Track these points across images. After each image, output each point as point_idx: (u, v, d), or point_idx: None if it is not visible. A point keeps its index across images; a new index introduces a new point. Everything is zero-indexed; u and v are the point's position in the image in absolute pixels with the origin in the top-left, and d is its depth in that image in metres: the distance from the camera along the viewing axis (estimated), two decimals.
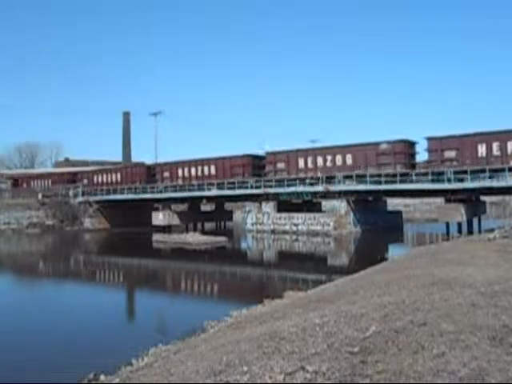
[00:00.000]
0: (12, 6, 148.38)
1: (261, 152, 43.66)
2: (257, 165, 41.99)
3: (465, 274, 8.46)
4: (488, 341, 4.48)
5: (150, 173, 48.99)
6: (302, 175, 38.18)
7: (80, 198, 50.38)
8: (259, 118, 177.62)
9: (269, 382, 4.12)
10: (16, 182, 64.26)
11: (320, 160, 37.81)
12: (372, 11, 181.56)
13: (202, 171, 44.30)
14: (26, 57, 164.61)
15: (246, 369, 4.54)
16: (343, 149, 37.11)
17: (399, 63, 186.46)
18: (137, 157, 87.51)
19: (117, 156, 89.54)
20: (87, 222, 48.96)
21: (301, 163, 38.87)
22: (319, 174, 36.86)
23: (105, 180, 52.28)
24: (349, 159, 36.41)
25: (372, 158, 35.19)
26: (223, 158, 43.20)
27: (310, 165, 38.41)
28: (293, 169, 39.17)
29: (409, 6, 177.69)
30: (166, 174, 46.93)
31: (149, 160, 64.48)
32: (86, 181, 53.97)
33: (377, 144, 35.42)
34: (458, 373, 3.74)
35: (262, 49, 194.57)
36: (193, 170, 44.86)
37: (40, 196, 52.80)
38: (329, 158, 37.43)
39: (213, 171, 43.50)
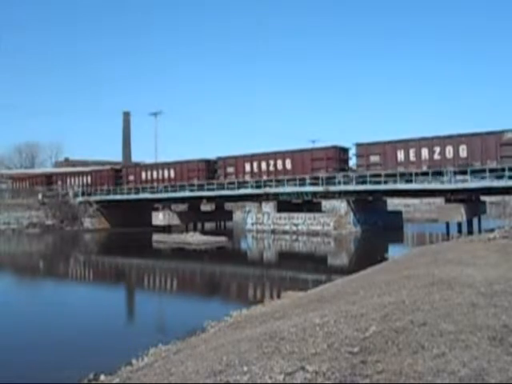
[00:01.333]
0: (12, 6, 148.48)
1: None
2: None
3: (465, 274, 8.47)
4: (488, 341, 4.48)
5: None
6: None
7: (80, 198, 50.40)
8: (259, 118, 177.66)
9: (269, 381, 4.12)
10: (15, 181, 64.54)
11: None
12: (372, 11, 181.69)
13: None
14: (26, 57, 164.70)
15: (245, 369, 4.54)
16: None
17: (399, 63, 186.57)
18: (137, 157, 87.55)
19: (117, 156, 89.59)
20: (87, 222, 48.96)
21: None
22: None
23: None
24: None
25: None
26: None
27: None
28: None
29: (409, 6, 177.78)
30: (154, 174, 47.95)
31: (149, 160, 64.54)
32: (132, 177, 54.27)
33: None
34: (457, 373, 3.74)
35: (262, 49, 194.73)
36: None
37: (40, 196, 52.80)
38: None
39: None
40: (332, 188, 35.93)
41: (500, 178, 28.49)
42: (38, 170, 74.20)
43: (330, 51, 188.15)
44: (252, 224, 40.45)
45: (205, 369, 4.94)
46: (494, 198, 54.98)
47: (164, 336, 9.74)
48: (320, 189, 36.45)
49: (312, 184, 36.98)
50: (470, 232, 29.82)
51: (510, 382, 3.54)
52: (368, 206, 38.42)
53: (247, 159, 41.73)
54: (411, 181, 32.18)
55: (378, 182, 33.59)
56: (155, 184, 46.68)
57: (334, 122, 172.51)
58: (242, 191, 40.24)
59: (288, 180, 38.19)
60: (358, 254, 28.65)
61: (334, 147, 38.22)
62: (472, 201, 32.01)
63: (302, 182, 37.47)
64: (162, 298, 17.50)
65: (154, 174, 47.61)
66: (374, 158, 35.19)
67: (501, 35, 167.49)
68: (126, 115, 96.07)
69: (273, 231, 38.62)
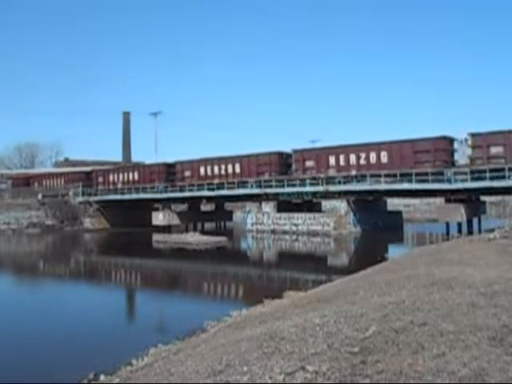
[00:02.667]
0: (12, 6, 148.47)
1: None
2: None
3: (465, 274, 8.47)
4: (488, 341, 4.48)
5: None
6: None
7: (80, 198, 50.39)
8: (259, 118, 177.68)
9: (269, 381, 4.12)
10: (16, 181, 64.62)
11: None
12: (372, 11, 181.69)
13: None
14: (26, 57, 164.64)
15: (245, 369, 4.54)
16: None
17: (399, 63, 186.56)
18: (137, 157, 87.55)
19: (117, 156, 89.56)
20: (87, 222, 48.95)
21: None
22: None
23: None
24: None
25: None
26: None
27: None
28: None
29: (409, 6, 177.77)
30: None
31: (149, 160, 64.55)
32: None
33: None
34: (457, 373, 3.74)
35: (262, 49, 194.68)
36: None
37: (40, 196, 52.81)
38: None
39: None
40: (332, 188, 35.94)
41: (500, 178, 28.48)
42: (38, 170, 74.22)
43: (329, 51, 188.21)
44: (252, 224, 40.46)
45: (205, 369, 4.94)
46: (494, 198, 55.00)
47: (164, 336, 9.74)
48: (320, 189, 36.45)
49: (312, 184, 36.99)
50: (470, 232, 29.82)
51: (510, 382, 3.54)
52: (368, 205, 38.41)
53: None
54: (411, 181, 32.17)
55: (378, 182, 33.58)
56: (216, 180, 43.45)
57: (334, 122, 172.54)
58: (242, 191, 40.25)
59: (289, 180, 38.23)
60: (358, 254, 28.64)
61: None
62: (472, 201, 31.99)
63: (302, 182, 37.50)
64: (162, 298, 17.49)
65: (216, 169, 43.71)
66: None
67: (501, 35, 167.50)
68: (126, 115, 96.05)
69: (273, 231, 38.61)
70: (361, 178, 34.70)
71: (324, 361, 4.41)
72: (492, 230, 19.76)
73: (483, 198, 35.50)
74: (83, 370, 7.94)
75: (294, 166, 39.69)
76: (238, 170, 41.97)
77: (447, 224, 30.76)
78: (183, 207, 47.89)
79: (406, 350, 4.44)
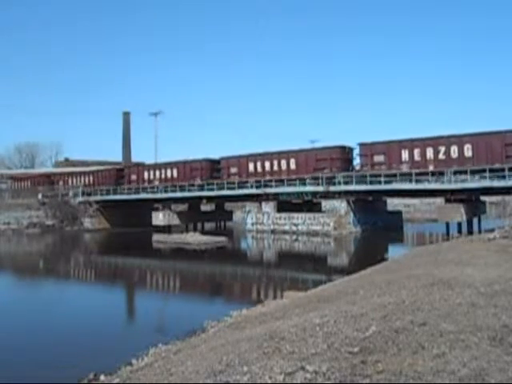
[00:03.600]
0: (12, 6, 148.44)
1: None
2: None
3: (465, 274, 8.47)
4: (488, 341, 4.48)
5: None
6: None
7: (80, 198, 50.38)
8: (259, 118, 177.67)
9: (269, 382, 4.12)
10: (16, 181, 64.21)
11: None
12: (372, 11, 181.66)
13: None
14: (26, 57, 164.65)
15: (246, 369, 4.54)
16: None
17: (399, 63, 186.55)
18: (137, 157, 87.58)
19: (117, 156, 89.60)
20: (87, 222, 48.95)
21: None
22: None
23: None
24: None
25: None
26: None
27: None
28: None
29: (409, 6, 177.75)
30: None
31: (149, 160, 64.61)
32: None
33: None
34: (457, 373, 3.75)
35: (262, 49, 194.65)
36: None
37: (40, 196, 52.81)
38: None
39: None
40: (332, 188, 35.93)
41: (500, 178, 28.47)
42: (40, 170, 74.03)
43: (329, 51, 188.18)
44: (252, 224, 40.46)
45: (205, 369, 4.94)
46: (494, 198, 54.96)
47: (164, 336, 9.74)
48: (320, 189, 36.45)
49: (312, 184, 36.99)
50: (470, 232, 29.81)
51: (510, 382, 3.54)
52: (368, 205, 38.42)
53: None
54: (411, 181, 32.17)
55: (378, 182, 33.60)
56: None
57: (334, 122, 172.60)
58: (242, 191, 40.23)
59: (288, 180, 38.23)
60: (358, 254, 28.65)
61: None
62: (472, 201, 31.98)
63: (302, 182, 37.50)
64: (162, 298, 17.49)
65: (267, 165, 40.97)
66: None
67: (501, 35, 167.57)
68: (126, 115, 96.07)
69: (273, 231, 38.62)
70: (361, 179, 34.70)
71: (324, 361, 4.41)
72: (492, 230, 19.76)
73: (483, 197, 35.49)
74: (83, 369, 7.95)
75: (360, 161, 36.28)
76: (293, 166, 38.63)
77: (447, 224, 30.74)
78: (183, 207, 47.89)
79: (406, 350, 4.44)
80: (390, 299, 6.84)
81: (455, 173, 30.37)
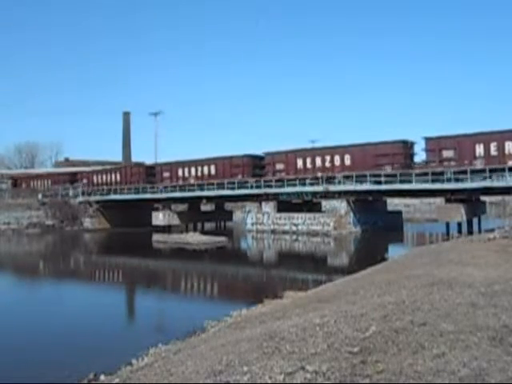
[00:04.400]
0: (12, 6, 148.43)
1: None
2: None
3: (465, 274, 8.46)
4: (488, 341, 4.48)
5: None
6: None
7: (80, 198, 50.38)
8: (259, 118, 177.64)
9: (269, 382, 4.12)
10: (15, 181, 63.86)
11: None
12: (372, 11, 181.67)
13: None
14: (26, 56, 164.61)
15: (246, 369, 4.54)
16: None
17: (399, 63, 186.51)
18: (137, 157, 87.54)
19: (117, 156, 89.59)
20: (87, 222, 48.95)
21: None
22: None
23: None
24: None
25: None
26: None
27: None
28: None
29: (409, 6, 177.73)
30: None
31: (149, 160, 64.57)
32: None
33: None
34: (458, 373, 3.74)
35: (262, 49, 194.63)
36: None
37: (40, 196, 52.79)
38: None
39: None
40: (332, 188, 35.91)
41: (500, 178, 28.47)
42: (40, 170, 73.96)
43: (329, 51, 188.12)
44: (252, 224, 40.44)
45: (205, 369, 4.94)
46: (494, 198, 54.98)
47: (164, 336, 9.73)
48: (320, 189, 36.43)
49: (312, 184, 36.97)
50: (470, 232, 29.81)
51: (510, 382, 3.54)
52: (368, 206, 38.41)
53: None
54: (411, 181, 32.17)
55: (378, 182, 33.58)
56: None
57: (334, 122, 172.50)
58: (242, 191, 40.21)
59: (288, 180, 38.21)
60: (358, 254, 28.64)
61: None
62: (472, 201, 31.99)
63: (302, 182, 37.47)
64: (162, 298, 17.49)
65: (318, 160, 38.70)
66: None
67: (501, 35, 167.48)
68: (126, 115, 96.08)
69: (273, 231, 38.60)
70: (361, 178, 34.69)
71: (324, 361, 4.41)
72: (492, 230, 19.75)
73: (483, 197, 35.49)
74: (83, 369, 7.95)
75: (426, 157, 33.61)
76: (348, 162, 36.07)
77: (447, 224, 30.74)
78: (183, 207, 47.88)
79: (405, 350, 4.44)
80: (390, 299, 6.84)
81: (455, 173, 30.38)
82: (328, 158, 37.26)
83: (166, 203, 44.87)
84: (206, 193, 42.41)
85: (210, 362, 5.22)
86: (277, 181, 38.79)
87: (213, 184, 41.90)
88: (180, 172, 45.65)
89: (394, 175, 32.91)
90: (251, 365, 4.63)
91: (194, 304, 15.96)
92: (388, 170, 33.44)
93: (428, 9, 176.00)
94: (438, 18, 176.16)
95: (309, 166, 38.07)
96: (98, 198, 49.52)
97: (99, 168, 57.92)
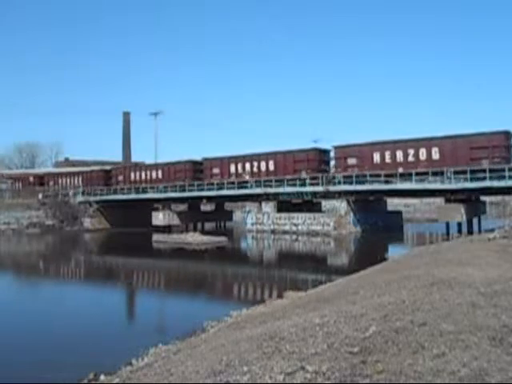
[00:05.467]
0: (12, 6, 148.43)
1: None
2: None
3: (465, 274, 8.46)
4: (488, 341, 4.47)
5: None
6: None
7: (80, 198, 50.38)
8: (259, 118, 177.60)
9: (269, 382, 4.12)
10: (41, 178, 61.63)
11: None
12: (372, 11, 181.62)
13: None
14: (26, 57, 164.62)
15: (246, 369, 4.54)
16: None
17: (399, 63, 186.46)
18: (137, 157, 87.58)
19: (117, 156, 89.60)
20: (87, 222, 48.95)
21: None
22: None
23: None
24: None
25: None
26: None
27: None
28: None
29: (409, 6, 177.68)
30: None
31: (149, 160, 64.57)
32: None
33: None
34: (457, 373, 3.74)
35: (262, 49, 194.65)
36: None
37: (40, 196, 52.78)
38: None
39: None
40: (332, 188, 35.92)
41: (500, 178, 28.46)
42: (40, 170, 73.82)
43: (330, 51, 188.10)
44: (252, 224, 40.44)
45: (205, 369, 4.94)
46: (494, 198, 55.00)
47: (164, 336, 9.74)
48: (320, 189, 36.44)
49: (312, 184, 36.97)
50: (470, 232, 29.80)
51: (510, 382, 3.54)
52: (368, 206, 38.41)
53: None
54: (411, 181, 32.16)
55: (378, 182, 33.58)
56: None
57: (335, 122, 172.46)
58: (242, 191, 40.21)
59: (288, 180, 38.21)
60: (358, 254, 28.65)
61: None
62: (472, 201, 31.99)
63: (302, 182, 37.48)
64: (162, 298, 17.50)
65: (399, 155, 35.19)
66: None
67: (501, 35, 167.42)
68: (126, 115, 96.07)
69: (273, 231, 38.60)
70: (361, 178, 34.68)
71: (324, 361, 4.41)
72: (492, 230, 19.74)
73: (483, 197, 35.49)
74: (83, 369, 7.95)
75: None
76: (436, 155, 32.23)
77: (447, 224, 30.75)
78: (183, 207, 47.87)
79: (406, 350, 4.44)
80: (390, 299, 6.84)
81: (455, 173, 30.38)
82: (412, 151, 33.78)
83: (166, 203, 44.88)
84: (205, 193, 42.41)
85: (209, 361, 5.22)
86: (277, 181, 38.76)
87: (213, 184, 41.86)
88: (232, 168, 43.04)
89: (394, 175, 32.91)
90: (251, 365, 4.63)
91: (194, 304, 15.96)
92: (484, 164, 29.82)
93: (428, 9, 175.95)
94: (438, 18, 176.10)
95: (388, 160, 34.85)
96: (98, 198, 49.53)
97: (136, 164, 57.97)
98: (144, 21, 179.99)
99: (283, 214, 38.94)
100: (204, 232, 39.93)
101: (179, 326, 11.00)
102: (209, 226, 47.75)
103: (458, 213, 29.87)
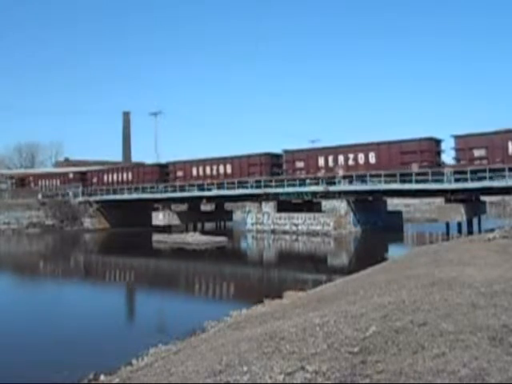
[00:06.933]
0: (12, 6, 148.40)
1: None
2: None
3: (465, 274, 8.46)
4: (488, 341, 4.47)
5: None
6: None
7: (80, 198, 50.38)
8: (259, 118, 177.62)
9: (269, 381, 4.12)
10: (22, 181, 62.98)
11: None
12: (372, 11, 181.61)
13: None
14: (25, 57, 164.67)
15: (245, 369, 4.54)
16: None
17: (399, 63, 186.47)
18: (137, 157, 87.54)
19: (117, 156, 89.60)
20: (87, 222, 48.95)
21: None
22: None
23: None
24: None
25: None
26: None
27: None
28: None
29: (409, 6, 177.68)
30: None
31: (148, 160, 64.58)
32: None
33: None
34: (457, 373, 3.74)
35: (262, 49, 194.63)
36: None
37: (40, 196, 52.79)
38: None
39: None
40: (332, 188, 35.93)
41: (500, 178, 28.47)
42: (44, 170, 73.76)
43: (330, 51, 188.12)
44: (252, 224, 40.44)
45: (205, 369, 4.94)
46: (494, 198, 54.97)
47: (164, 336, 9.73)
48: (320, 189, 36.45)
49: (312, 184, 36.99)
50: (470, 232, 29.81)
51: (510, 382, 3.54)
52: (368, 206, 38.42)
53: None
54: (411, 181, 32.17)
55: (378, 182, 33.59)
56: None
57: (334, 122, 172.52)
58: (242, 191, 40.22)
59: (289, 180, 38.23)
60: (358, 254, 28.65)
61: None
62: (472, 201, 31.99)
63: (302, 182, 37.50)
64: (162, 298, 17.49)
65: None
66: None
67: (501, 35, 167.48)
68: (126, 115, 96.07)
69: (273, 231, 38.60)
70: (361, 178, 34.71)
71: (324, 361, 4.41)
72: (492, 230, 19.73)
73: (483, 197, 35.49)
74: (83, 369, 7.95)
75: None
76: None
77: (447, 224, 30.75)
78: (183, 207, 47.87)
79: (406, 350, 4.44)
80: (390, 299, 6.84)
81: (455, 173, 30.38)
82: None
83: (166, 203, 44.88)
84: (206, 193, 42.42)
85: (209, 361, 5.22)
86: (277, 181, 38.81)
87: (213, 184, 41.88)
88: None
89: (394, 175, 32.92)
90: (251, 365, 4.63)
91: (194, 304, 15.96)
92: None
93: (428, 9, 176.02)
94: (437, 18, 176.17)
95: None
96: (98, 197, 49.54)
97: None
98: (144, 21, 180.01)
99: (283, 214, 38.95)
100: (204, 232, 39.93)
101: (179, 325, 11.01)
102: (209, 225, 47.75)
103: (458, 213, 29.88)
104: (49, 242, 40.85)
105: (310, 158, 38.29)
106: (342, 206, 36.61)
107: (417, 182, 31.93)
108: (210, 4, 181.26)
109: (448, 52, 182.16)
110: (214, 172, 43.40)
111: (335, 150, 37.48)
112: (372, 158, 35.35)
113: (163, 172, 47.73)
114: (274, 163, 41.43)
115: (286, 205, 39.70)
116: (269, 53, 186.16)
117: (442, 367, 3.89)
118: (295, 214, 38.55)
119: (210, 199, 44.23)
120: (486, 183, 28.95)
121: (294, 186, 37.92)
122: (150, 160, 62.00)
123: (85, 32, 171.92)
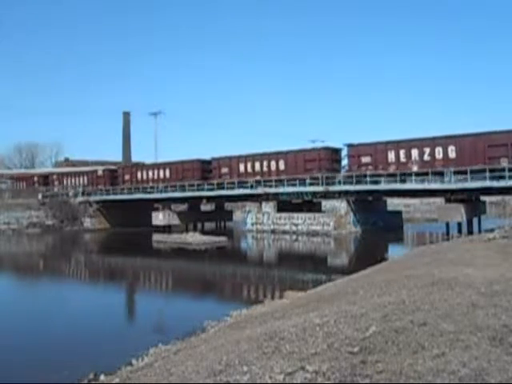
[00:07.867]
0: (12, 6, 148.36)
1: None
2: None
3: (465, 274, 8.45)
4: (488, 341, 4.47)
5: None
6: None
7: (80, 198, 50.39)
8: (259, 118, 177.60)
9: (269, 381, 4.12)
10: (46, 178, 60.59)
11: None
12: (372, 11, 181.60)
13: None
14: (26, 57, 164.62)
15: (245, 369, 4.54)
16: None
17: (399, 63, 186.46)
18: (137, 157, 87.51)
19: (117, 156, 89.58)
20: (87, 222, 48.96)
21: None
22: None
23: None
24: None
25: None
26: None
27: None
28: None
29: (409, 6, 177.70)
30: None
31: (149, 160, 64.55)
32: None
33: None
34: (458, 373, 3.74)
35: (262, 49, 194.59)
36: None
37: (40, 196, 52.80)
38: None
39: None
40: (332, 188, 35.93)
41: (500, 178, 28.46)
42: (40, 170, 73.78)
43: (329, 51, 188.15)
44: (252, 224, 40.44)
45: (205, 369, 4.94)
46: (494, 198, 54.98)
47: (164, 336, 9.74)
48: (320, 189, 36.45)
49: (312, 184, 36.98)
50: (470, 232, 29.79)
51: (510, 382, 3.54)
52: (368, 206, 38.41)
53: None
54: (411, 181, 32.15)
55: (378, 182, 33.58)
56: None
57: (334, 122, 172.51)
58: (242, 191, 40.21)
59: (288, 180, 38.21)
60: (358, 254, 28.64)
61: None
62: (472, 201, 31.97)
63: (302, 182, 37.48)
64: (162, 298, 17.49)
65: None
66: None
67: (501, 35, 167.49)
68: (126, 115, 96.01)
69: (273, 231, 38.60)
70: (360, 178, 34.70)
71: (324, 361, 4.41)
72: (492, 230, 19.73)
73: (483, 197, 35.48)
74: (83, 369, 7.95)
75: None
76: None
77: (447, 224, 30.73)
78: (183, 207, 47.88)
79: (406, 350, 4.44)
80: (390, 299, 6.84)
81: (455, 173, 30.38)
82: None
83: (166, 203, 44.88)
84: (206, 193, 42.42)
85: (209, 361, 5.22)
86: (277, 181, 38.78)
87: (213, 184, 41.82)
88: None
89: (394, 175, 32.91)
90: (251, 365, 4.63)
91: (194, 304, 15.97)
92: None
93: (428, 8, 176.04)
94: (437, 18, 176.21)
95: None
96: (97, 197, 49.54)
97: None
98: (144, 21, 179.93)
99: (283, 214, 38.95)
100: (204, 232, 39.94)
101: (179, 325, 11.00)
102: (209, 226, 47.76)
103: (458, 213, 29.87)
104: (49, 242, 40.85)
105: (378, 153, 34.76)
106: (342, 206, 36.61)
107: (416, 182, 31.91)
108: (210, 4, 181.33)
109: (447, 51, 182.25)
110: (265, 168, 40.09)
111: (408, 144, 33.68)
112: (452, 153, 31.69)
113: (206, 169, 44.52)
114: (333, 159, 38.31)
115: (285, 205, 39.71)
116: (269, 53, 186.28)
117: (442, 367, 3.89)
118: (295, 214, 38.55)
119: (209, 199, 44.25)
120: (486, 183, 28.95)
121: (293, 185, 37.90)
122: (149, 160, 61.99)
123: (85, 32, 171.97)
